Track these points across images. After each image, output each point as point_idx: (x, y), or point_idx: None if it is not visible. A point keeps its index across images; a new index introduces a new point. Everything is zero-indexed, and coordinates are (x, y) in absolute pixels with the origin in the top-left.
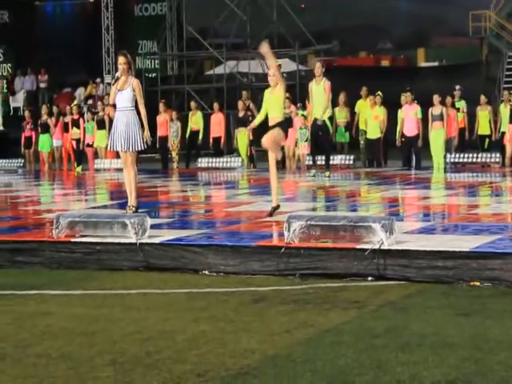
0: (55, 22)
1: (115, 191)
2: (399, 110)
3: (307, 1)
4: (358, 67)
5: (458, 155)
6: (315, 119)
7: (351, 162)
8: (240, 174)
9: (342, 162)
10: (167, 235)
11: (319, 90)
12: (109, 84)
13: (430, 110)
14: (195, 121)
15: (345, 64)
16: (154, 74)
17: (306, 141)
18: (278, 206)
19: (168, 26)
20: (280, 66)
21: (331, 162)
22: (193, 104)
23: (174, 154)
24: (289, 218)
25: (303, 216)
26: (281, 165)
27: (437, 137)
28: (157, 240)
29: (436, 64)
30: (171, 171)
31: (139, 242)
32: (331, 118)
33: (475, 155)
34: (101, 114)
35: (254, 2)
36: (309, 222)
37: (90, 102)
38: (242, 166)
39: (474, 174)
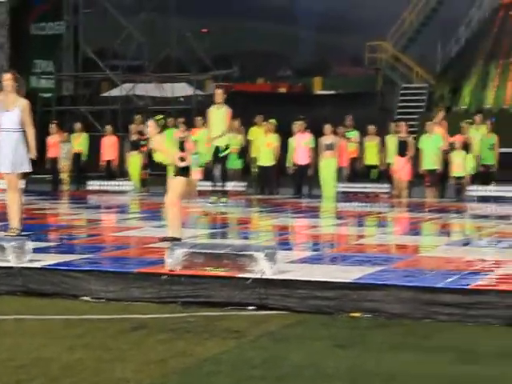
0: None
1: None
2: (290, 139)
3: (210, 25)
4: (256, 93)
5: (347, 185)
6: (217, 147)
7: (243, 188)
8: (131, 198)
9: (234, 188)
10: (49, 259)
11: (219, 115)
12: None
13: (321, 139)
14: (80, 143)
15: (242, 90)
16: (49, 94)
17: (201, 166)
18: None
19: (65, 45)
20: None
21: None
22: (77, 126)
23: (64, 175)
24: (172, 245)
25: (186, 243)
26: None
27: (327, 166)
28: (37, 264)
29: (332, 92)
30: (61, 193)
31: (18, 266)
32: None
33: (365, 185)
34: None
35: (152, 25)
36: (192, 250)
37: None
38: (134, 190)
39: (363, 204)
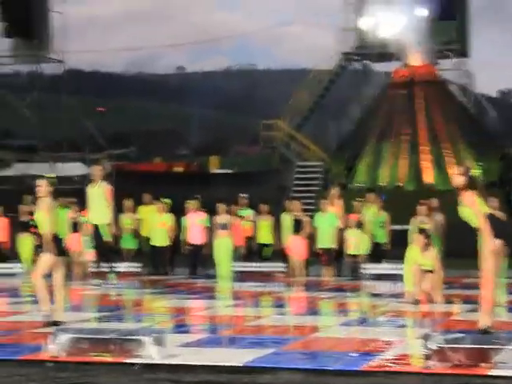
0: None
1: None
2: (183, 218)
3: (106, 105)
4: (151, 173)
5: (243, 264)
6: (96, 225)
7: (138, 269)
8: (21, 281)
9: (128, 269)
10: None
11: (97, 193)
12: None
13: (215, 218)
14: None
15: (138, 169)
16: None
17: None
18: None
19: None
20: None
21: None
22: None
23: None
24: (56, 330)
25: (71, 328)
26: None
27: (223, 245)
28: None
29: (229, 171)
30: None
31: None
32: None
33: (260, 264)
34: None
35: (44, 104)
36: (77, 335)
37: None
38: (25, 273)
39: (259, 284)
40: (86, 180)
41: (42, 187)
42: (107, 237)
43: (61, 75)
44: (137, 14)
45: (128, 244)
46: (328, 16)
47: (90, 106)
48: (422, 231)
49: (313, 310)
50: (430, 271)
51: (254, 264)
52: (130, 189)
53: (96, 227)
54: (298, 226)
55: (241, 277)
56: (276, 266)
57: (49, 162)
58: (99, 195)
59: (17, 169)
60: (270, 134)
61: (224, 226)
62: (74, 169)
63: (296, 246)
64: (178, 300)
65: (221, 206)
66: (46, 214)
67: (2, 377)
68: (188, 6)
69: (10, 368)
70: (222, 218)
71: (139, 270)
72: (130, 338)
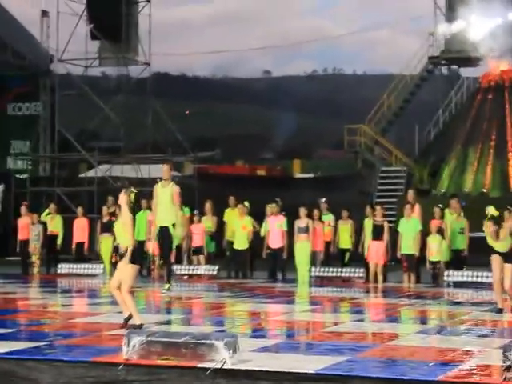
0: None
1: None
2: (264, 222)
3: (191, 108)
4: (233, 175)
5: (322, 269)
6: (161, 227)
7: (215, 272)
8: (101, 282)
9: (207, 272)
10: (2, 347)
11: (166, 194)
12: None
13: (296, 222)
14: (54, 225)
15: (220, 172)
16: (25, 175)
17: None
18: (130, 316)
19: (42, 126)
20: None
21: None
22: (52, 207)
23: (34, 258)
24: (128, 333)
25: (144, 331)
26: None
27: (301, 249)
28: None
29: (311, 175)
30: (29, 277)
31: None
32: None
33: (339, 269)
34: None
35: (130, 106)
36: (149, 338)
37: None
38: (104, 274)
39: (337, 289)
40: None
41: (123, 199)
42: (176, 240)
43: (147, 78)
44: (224, 18)
45: (208, 247)
46: (416, 20)
47: (176, 109)
48: (491, 218)
49: (391, 317)
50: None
51: (333, 269)
52: (212, 191)
53: (162, 229)
54: (378, 232)
55: (320, 282)
56: (356, 272)
57: (132, 164)
58: (167, 196)
59: (101, 170)
60: (354, 138)
61: (304, 230)
62: (158, 171)
63: (376, 251)
64: (255, 304)
65: (302, 210)
66: (125, 226)
67: (72, 378)
68: (275, 10)
69: (82, 370)
70: (302, 222)
71: (217, 272)
72: (202, 342)
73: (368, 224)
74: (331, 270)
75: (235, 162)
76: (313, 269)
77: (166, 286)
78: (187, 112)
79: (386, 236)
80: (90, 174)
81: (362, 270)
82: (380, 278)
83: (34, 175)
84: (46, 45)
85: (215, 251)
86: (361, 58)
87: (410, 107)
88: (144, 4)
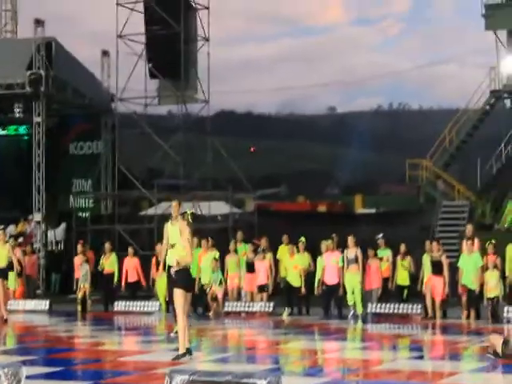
0: None
1: None
2: (318, 258)
3: (258, 144)
4: (294, 212)
5: (379, 305)
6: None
7: (271, 309)
8: (156, 319)
9: (262, 309)
10: None
11: (175, 231)
12: (38, 222)
13: (345, 252)
14: (110, 263)
15: (281, 208)
16: (87, 213)
17: (220, 283)
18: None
19: (103, 164)
20: None
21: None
22: (107, 246)
23: (79, 295)
24: (171, 372)
25: (186, 370)
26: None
27: (351, 280)
28: None
29: (372, 211)
30: (82, 315)
31: None
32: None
33: (397, 306)
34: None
35: (188, 145)
36: (191, 377)
37: (20, 239)
38: (160, 311)
39: (394, 326)
40: (229, 219)
41: (182, 224)
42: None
43: (207, 116)
44: (288, 56)
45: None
46: (479, 54)
47: (242, 146)
48: None
49: (446, 355)
50: None
51: (389, 305)
52: (272, 228)
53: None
54: (436, 267)
55: (377, 319)
56: (414, 308)
57: (192, 201)
58: (176, 233)
59: (161, 207)
60: (417, 173)
61: (353, 261)
62: (218, 208)
63: (435, 287)
64: (308, 341)
65: (350, 239)
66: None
67: None
68: (339, 47)
69: None
70: (351, 252)
71: (273, 309)
72: (245, 381)
73: (426, 259)
74: (389, 306)
75: (297, 198)
76: (369, 305)
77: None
78: (252, 149)
79: (445, 271)
80: (150, 211)
81: (419, 305)
82: (438, 313)
83: (95, 213)
84: (107, 84)
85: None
86: (426, 92)
87: (472, 141)
88: (202, 42)
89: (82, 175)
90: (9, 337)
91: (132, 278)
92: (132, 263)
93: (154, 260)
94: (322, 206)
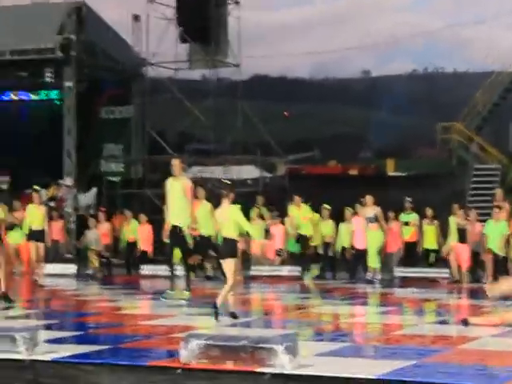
0: (17, 122)
1: None
2: (341, 224)
3: (292, 108)
4: (325, 175)
5: (405, 269)
6: (174, 226)
7: (298, 273)
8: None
9: (290, 273)
10: (63, 351)
11: (177, 189)
12: (68, 186)
13: (362, 211)
14: (131, 230)
15: (312, 172)
16: (117, 178)
17: None
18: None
19: (134, 129)
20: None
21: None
22: (128, 213)
23: (92, 256)
24: (187, 337)
25: (202, 334)
26: None
27: (373, 239)
28: (48, 357)
29: (404, 174)
30: (109, 278)
31: (29, 358)
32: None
33: (423, 270)
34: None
35: (219, 110)
36: (207, 342)
37: (52, 203)
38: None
39: (420, 290)
40: (258, 183)
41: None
42: (189, 240)
43: (238, 80)
44: (320, 20)
45: (291, 248)
46: None
47: (276, 111)
48: None
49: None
50: None
51: (417, 270)
52: (303, 192)
53: (175, 228)
54: (462, 235)
55: (403, 282)
56: (440, 272)
57: (223, 166)
58: (178, 191)
59: (192, 172)
60: (448, 136)
61: (372, 220)
62: (248, 172)
63: (460, 254)
64: (330, 306)
65: (368, 198)
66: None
67: (132, 383)
68: (371, 8)
69: (140, 374)
70: (369, 211)
71: (299, 273)
72: (261, 345)
73: (452, 222)
74: (414, 270)
75: (329, 162)
76: (395, 269)
77: (186, 294)
78: (286, 113)
79: (470, 238)
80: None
81: (446, 270)
82: (465, 280)
83: (125, 178)
84: (138, 48)
85: (299, 252)
86: (460, 55)
87: (505, 104)
88: (232, 6)
89: (113, 140)
90: (33, 300)
91: (144, 247)
92: (146, 232)
93: None
94: (354, 169)
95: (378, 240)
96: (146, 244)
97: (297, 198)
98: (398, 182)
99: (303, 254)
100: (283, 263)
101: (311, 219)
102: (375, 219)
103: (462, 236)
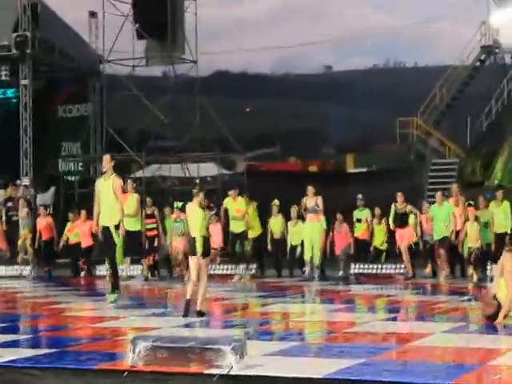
0: None
1: None
2: (288, 223)
3: (253, 104)
4: (285, 172)
5: (361, 266)
6: (103, 227)
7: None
8: (140, 284)
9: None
10: (8, 355)
11: (107, 190)
12: (26, 186)
13: (304, 200)
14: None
15: (272, 169)
16: (76, 177)
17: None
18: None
19: (91, 127)
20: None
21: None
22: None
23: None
24: (134, 339)
25: (149, 336)
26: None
27: (312, 230)
28: None
29: (364, 170)
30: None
31: None
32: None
33: (379, 266)
34: None
35: (176, 107)
36: (155, 344)
37: (9, 204)
38: (142, 276)
39: (372, 287)
40: (217, 180)
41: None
42: (117, 239)
43: (196, 77)
44: (281, 14)
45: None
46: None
47: (234, 107)
48: None
49: (420, 316)
50: None
51: (371, 266)
52: (262, 189)
53: (104, 230)
54: (401, 219)
55: (358, 279)
56: (395, 268)
57: (181, 164)
58: (109, 192)
59: (150, 170)
60: (407, 131)
61: (312, 210)
62: (207, 169)
63: (400, 235)
64: (278, 304)
65: (309, 189)
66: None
67: None
68: (331, 5)
69: (86, 378)
70: (310, 201)
71: (256, 272)
72: (209, 347)
73: (392, 208)
74: (370, 267)
75: (287, 158)
76: (352, 266)
77: (112, 296)
78: (247, 109)
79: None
80: (139, 173)
81: (401, 265)
82: (406, 256)
83: (84, 177)
84: (95, 46)
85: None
86: (422, 50)
87: (463, 98)
88: (189, 2)
89: (71, 138)
90: None
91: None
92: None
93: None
94: (314, 165)
95: (317, 231)
96: (87, 240)
97: (232, 191)
98: (357, 177)
99: (240, 252)
100: (222, 262)
101: (246, 212)
102: (315, 210)
103: (401, 220)
